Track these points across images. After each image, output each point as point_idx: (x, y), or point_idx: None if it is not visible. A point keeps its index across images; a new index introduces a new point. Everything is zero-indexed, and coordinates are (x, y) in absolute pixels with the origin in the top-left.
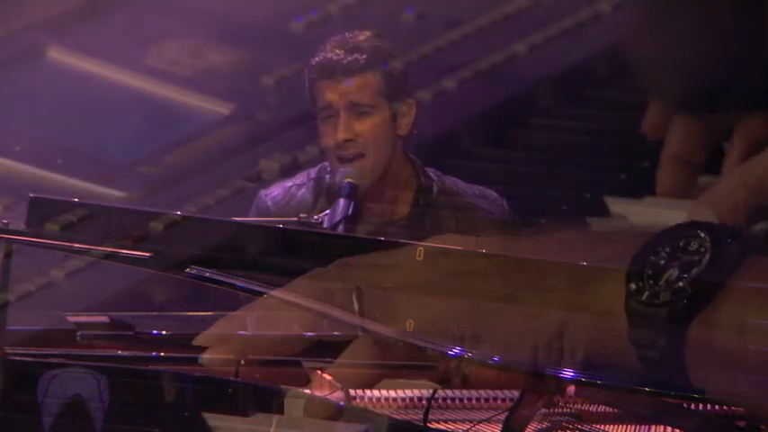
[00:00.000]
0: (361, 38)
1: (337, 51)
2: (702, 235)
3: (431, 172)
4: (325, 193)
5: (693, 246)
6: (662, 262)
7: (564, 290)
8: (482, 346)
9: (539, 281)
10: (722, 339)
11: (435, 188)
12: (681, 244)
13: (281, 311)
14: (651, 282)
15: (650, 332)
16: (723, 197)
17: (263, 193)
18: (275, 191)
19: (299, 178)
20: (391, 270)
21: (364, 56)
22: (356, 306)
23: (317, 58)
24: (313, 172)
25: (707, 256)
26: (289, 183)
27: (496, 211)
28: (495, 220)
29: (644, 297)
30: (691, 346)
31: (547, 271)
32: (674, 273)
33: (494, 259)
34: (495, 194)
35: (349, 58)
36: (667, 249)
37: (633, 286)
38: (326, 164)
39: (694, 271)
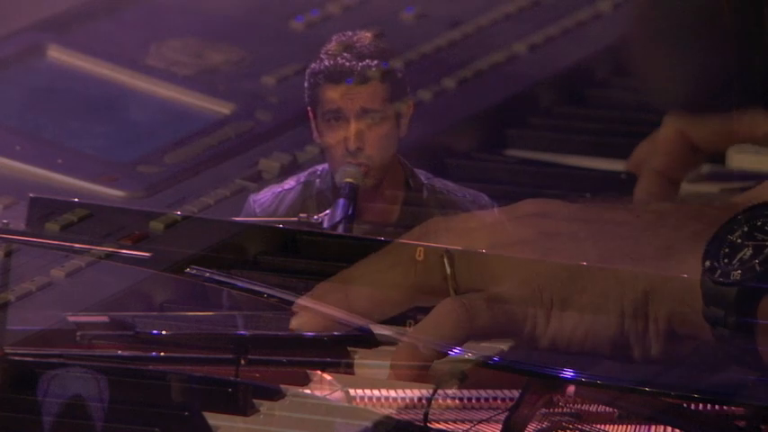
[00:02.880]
0: (367, 41)
1: (346, 55)
2: None
3: (421, 174)
4: (314, 198)
5: None
6: (738, 241)
7: (651, 262)
8: (570, 309)
9: (628, 248)
10: None
11: (425, 191)
12: (758, 223)
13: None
14: (725, 260)
15: (722, 310)
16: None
17: (252, 198)
18: (264, 196)
19: (289, 183)
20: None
21: (375, 61)
22: (448, 269)
23: (324, 63)
24: (303, 176)
25: None
26: (278, 188)
27: None
28: None
29: (716, 275)
30: (761, 325)
31: (633, 241)
32: (747, 252)
33: (588, 224)
34: (486, 198)
35: (361, 65)
36: (745, 229)
37: (708, 264)
38: (317, 168)
39: (766, 251)
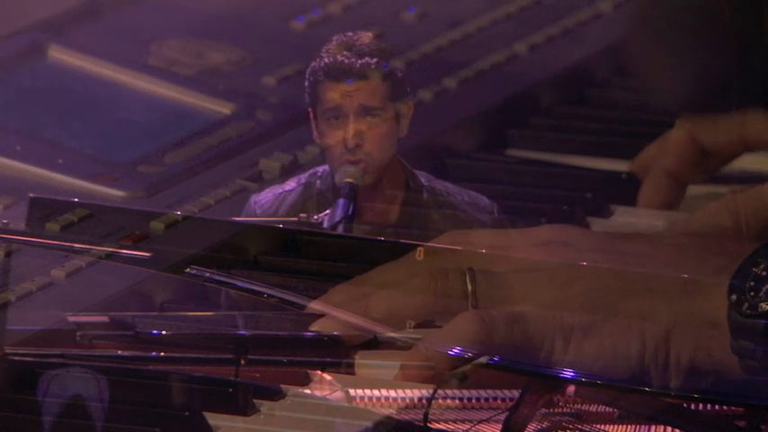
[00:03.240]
0: (367, 40)
1: (346, 53)
2: None
3: (421, 176)
4: (315, 199)
5: None
6: (763, 273)
7: (674, 296)
8: (591, 339)
9: (650, 282)
10: None
11: (425, 192)
12: None
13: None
14: (752, 293)
15: (751, 343)
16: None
17: (252, 198)
18: (264, 197)
19: (290, 184)
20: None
21: (375, 59)
22: (469, 287)
23: (324, 60)
24: (303, 177)
25: None
26: (279, 189)
27: (486, 219)
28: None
29: (744, 308)
30: None
31: (654, 275)
32: None
33: (609, 255)
34: (486, 200)
35: (360, 62)
36: None
37: (734, 297)
38: (317, 169)
39: None
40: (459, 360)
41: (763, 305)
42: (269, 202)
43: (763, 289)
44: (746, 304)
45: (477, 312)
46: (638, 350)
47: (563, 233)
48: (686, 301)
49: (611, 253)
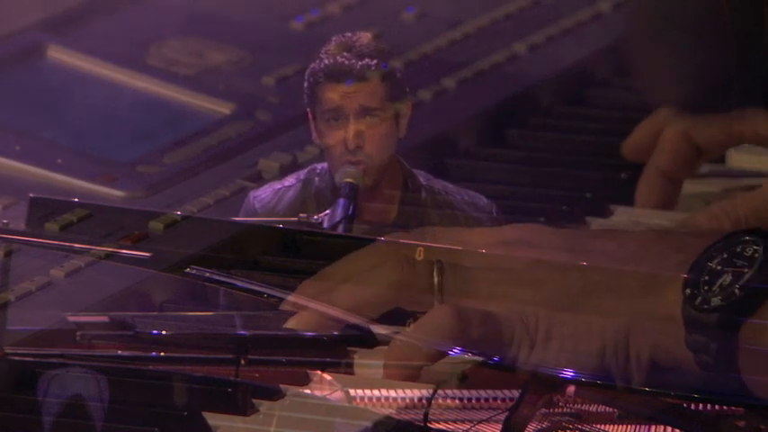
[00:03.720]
0: (366, 41)
1: (345, 55)
2: (756, 240)
3: (420, 175)
4: (313, 196)
5: (748, 251)
6: (718, 268)
7: (633, 293)
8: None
9: (612, 281)
10: None
11: (423, 192)
12: (737, 250)
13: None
14: (706, 288)
15: (704, 337)
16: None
17: (251, 194)
18: (264, 193)
19: (289, 180)
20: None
21: (374, 60)
22: (436, 279)
23: (324, 62)
24: (302, 174)
25: (758, 262)
26: (278, 185)
27: (484, 218)
28: (482, 224)
29: (697, 302)
30: (743, 351)
31: (616, 272)
32: (727, 278)
33: (574, 254)
34: (484, 200)
35: (360, 63)
36: (724, 255)
37: (688, 292)
38: (316, 166)
39: (745, 277)
40: (436, 354)
41: (716, 299)
42: (268, 197)
43: (717, 283)
44: (700, 298)
45: (452, 306)
46: (598, 347)
47: (528, 233)
48: (645, 297)
49: (575, 251)
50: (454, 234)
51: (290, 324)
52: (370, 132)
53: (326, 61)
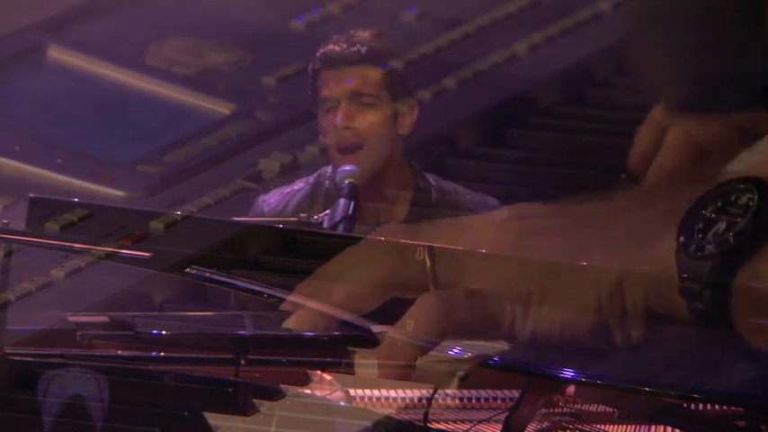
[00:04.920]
0: (365, 33)
1: (341, 44)
2: (750, 188)
3: (430, 177)
4: (322, 199)
5: (742, 200)
6: (712, 215)
7: (624, 246)
8: (547, 303)
9: (601, 237)
10: (765, 293)
11: (434, 193)
12: (731, 198)
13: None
14: (700, 235)
15: (697, 285)
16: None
17: (260, 198)
18: (273, 197)
19: (298, 184)
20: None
21: (365, 47)
22: (428, 263)
23: (320, 51)
24: (311, 177)
25: (752, 210)
26: (287, 189)
27: None
28: None
29: (691, 249)
30: (736, 299)
31: (607, 228)
32: (721, 226)
33: (561, 219)
34: (494, 201)
35: (352, 49)
36: (718, 203)
37: (682, 239)
38: (326, 169)
39: (739, 224)
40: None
41: (710, 247)
42: (276, 201)
43: (711, 230)
44: (694, 246)
45: (435, 294)
46: (594, 300)
47: (518, 209)
48: (636, 249)
49: (563, 216)
50: (446, 225)
51: (290, 324)
52: (361, 117)
53: (322, 50)
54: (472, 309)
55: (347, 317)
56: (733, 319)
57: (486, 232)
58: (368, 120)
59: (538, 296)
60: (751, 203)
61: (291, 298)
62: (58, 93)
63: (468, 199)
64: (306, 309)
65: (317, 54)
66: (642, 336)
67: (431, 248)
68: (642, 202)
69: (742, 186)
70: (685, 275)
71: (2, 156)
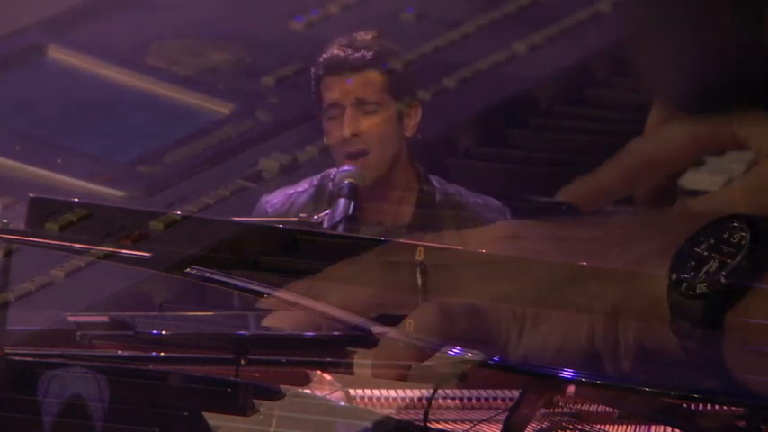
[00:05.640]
0: (368, 37)
1: (344, 49)
2: (743, 227)
3: (434, 179)
4: (326, 201)
5: (735, 238)
6: (705, 253)
7: (619, 279)
8: (542, 325)
9: (598, 268)
10: (757, 332)
11: (438, 195)
12: (724, 236)
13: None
14: (692, 273)
15: (688, 323)
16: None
17: (264, 199)
18: (276, 198)
19: (302, 185)
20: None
21: (370, 53)
22: (419, 281)
23: (323, 56)
24: (315, 179)
25: (745, 249)
26: (291, 190)
27: (498, 220)
28: None
29: (683, 288)
30: (727, 338)
31: (606, 255)
32: (713, 264)
33: (559, 243)
34: (497, 203)
35: (356, 55)
36: (711, 241)
37: (674, 277)
38: (330, 171)
39: (731, 263)
40: (425, 352)
41: (702, 286)
42: (280, 202)
43: (703, 269)
44: (686, 284)
45: (437, 303)
46: (586, 334)
47: (515, 228)
48: (631, 282)
49: (560, 240)
50: (445, 238)
51: (290, 324)
52: (367, 122)
53: (325, 56)
54: (470, 324)
55: (347, 317)
56: (724, 359)
57: (481, 250)
58: (373, 126)
59: (531, 321)
60: (743, 242)
61: (291, 298)
62: (58, 93)
63: (472, 201)
64: (306, 309)
65: (320, 59)
66: (631, 366)
67: (423, 266)
68: (638, 235)
69: (735, 225)
70: (677, 314)
71: (2, 156)
